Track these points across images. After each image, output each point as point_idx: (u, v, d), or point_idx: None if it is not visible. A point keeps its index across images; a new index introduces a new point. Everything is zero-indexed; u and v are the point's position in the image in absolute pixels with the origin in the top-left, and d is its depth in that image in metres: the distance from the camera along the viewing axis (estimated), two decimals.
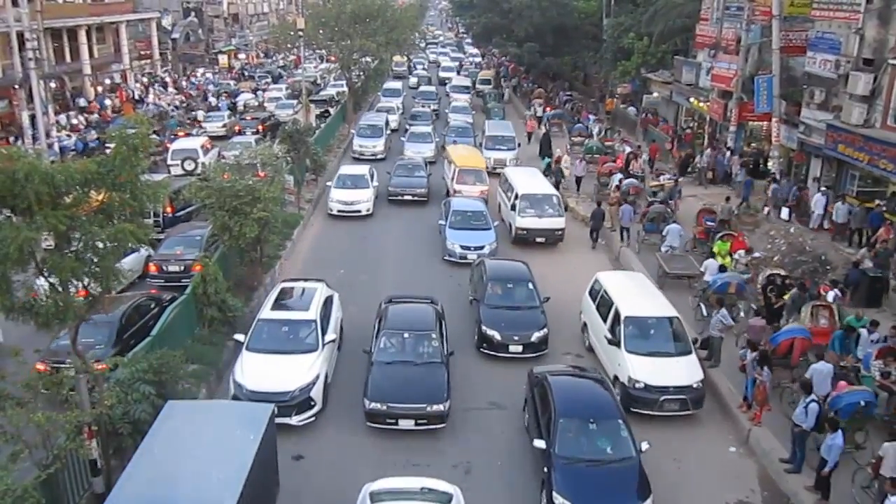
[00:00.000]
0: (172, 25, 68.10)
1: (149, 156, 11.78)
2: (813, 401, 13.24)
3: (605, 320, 17.03)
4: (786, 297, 18.26)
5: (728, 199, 26.05)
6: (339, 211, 27.87)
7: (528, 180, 26.91)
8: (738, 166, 29.53)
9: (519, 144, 35.92)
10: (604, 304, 17.47)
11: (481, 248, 23.53)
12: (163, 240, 21.95)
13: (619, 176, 29.23)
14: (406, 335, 16.03)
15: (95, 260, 11.31)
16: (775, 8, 27.13)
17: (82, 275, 11.28)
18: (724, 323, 16.75)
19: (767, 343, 16.03)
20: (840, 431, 12.44)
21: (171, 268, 20.92)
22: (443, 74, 68.20)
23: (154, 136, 19.77)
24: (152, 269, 21.01)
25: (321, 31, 47.35)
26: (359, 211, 27.89)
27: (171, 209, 24.34)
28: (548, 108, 46.57)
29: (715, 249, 21.50)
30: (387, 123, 40.49)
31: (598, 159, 32.65)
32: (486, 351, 17.77)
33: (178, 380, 14.29)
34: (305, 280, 18.65)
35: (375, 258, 24.36)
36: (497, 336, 17.55)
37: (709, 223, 23.58)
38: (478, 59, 79.83)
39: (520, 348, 17.55)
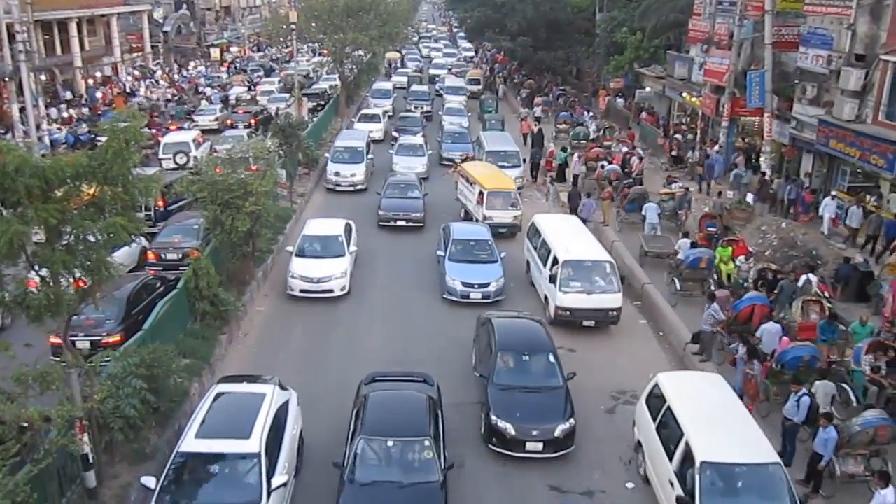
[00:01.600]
0: (164, 18, 67.74)
1: (141, 149, 11.69)
2: (804, 394, 13.33)
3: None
4: (776, 291, 18.39)
5: (720, 193, 26.11)
6: (302, 291, 20.41)
7: (571, 238, 20.60)
8: (742, 163, 29.46)
9: (524, 160, 32.24)
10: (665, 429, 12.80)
11: (486, 285, 20.44)
12: (160, 228, 22.44)
13: (603, 162, 30.47)
14: (390, 443, 12.31)
15: (87, 253, 11.26)
16: (768, 3, 27.15)
17: (74, 268, 11.23)
18: (715, 317, 16.82)
19: (730, 310, 17.35)
20: (832, 426, 12.54)
21: (169, 255, 21.32)
22: (434, 72, 64.18)
23: (146, 129, 19.75)
24: (151, 256, 21.47)
25: (314, 25, 47.34)
26: (331, 291, 20.44)
27: (164, 203, 24.33)
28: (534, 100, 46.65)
29: (717, 256, 20.76)
30: (368, 146, 33.04)
31: (584, 145, 34.35)
32: (496, 448, 13.98)
33: (171, 374, 14.26)
34: (252, 380, 13.71)
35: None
36: (510, 429, 13.77)
37: (710, 229, 23.21)
38: (471, 54, 78.89)
39: (540, 446, 13.80)
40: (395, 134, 37.82)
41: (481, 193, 25.23)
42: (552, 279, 18.95)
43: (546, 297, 19.60)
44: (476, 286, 20.45)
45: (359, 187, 30.69)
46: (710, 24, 33.16)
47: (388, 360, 16.87)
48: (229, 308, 18.15)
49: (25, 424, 10.87)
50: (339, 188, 30.82)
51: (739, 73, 29.88)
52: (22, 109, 32.94)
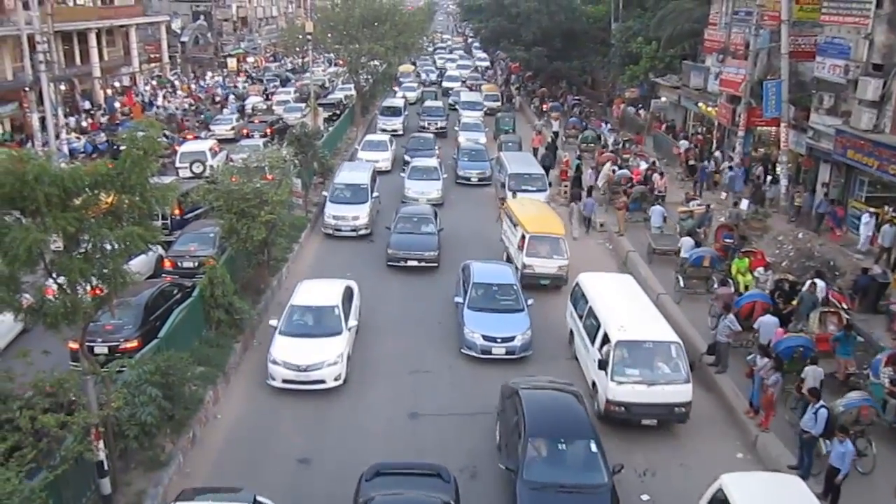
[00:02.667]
0: (182, 29, 68.43)
1: (158, 158, 11.80)
2: (822, 407, 13.20)
3: None
4: (794, 302, 18.23)
5: (736, 203, 25.96)
6: (285, 382, 16.30)
7: (626, 308, 16.77)
8: (761, 173, 29.27)
9: (550, 184, 30.18)
10: None
11: (510, 339, 17.67)
12: (177, 237, 22.67)
13: (614, 167, 31.02)
14: None
15: (104, 262, 11.36)
16: (784, 13, 27.05)
17: (91, 276, 11.33)
18: (731, 329, 16.70)
19: (732, 306, 17.48)
20: (849, 440, 12.43)
21: (186, 264, 21.46)
22: (448, 84, 61.54)
23: (163, 138, 19.86)
24: (167, 264, 21.63)
25: (330, 35, 47.56)
26: (322, 381, 16.27)
27: (180, 211, 24.58)
28: (551, 112, 46.71)
29: (733, 268, 20.63)
30: (374, 181, 28.85)
31: (593, 148, 35.42)
32: None
33: (186, 382, 14.34)
34: (220, 496, 11.50)
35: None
36: None
37: (727, 240, 22.89)
38: (486, 64, 78.85)
39: None
40: (406, 157, 34.73)
41: (523, 237, 21.86)
42: (602, 365, 15.06)
43: (594, 384, 15.70)
44: (499, 340, 17.66)
45: (362, 232, 26.30)
46: (725, 33, 33.08)
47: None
48: (244, 316, 18.22)
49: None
50: (338, 233, 26.42)
51: (755, 83, 29.75)
52: (42, 119, 33.34)
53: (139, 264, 19.14)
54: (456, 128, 42.42)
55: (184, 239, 22.43)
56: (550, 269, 21.67)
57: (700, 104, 36.33)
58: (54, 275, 11.25)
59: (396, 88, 55.57)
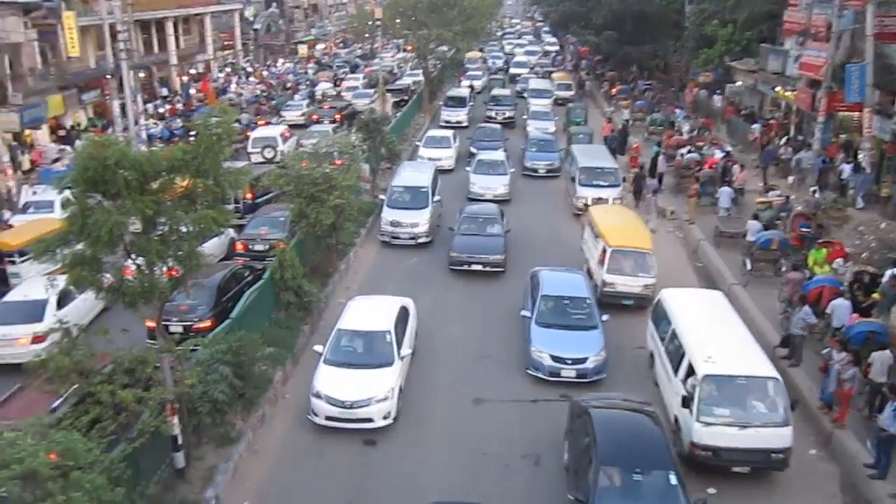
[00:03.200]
0: (254, 16, 69.85)
1: (231, 144, 12.09)
2: None
3: None
4: (875, 294, 17.49)
5: (814, 191, 25.04)
6: (329, 419, 14.61)
7: (716, 335, 14.70)
8: (845, 162, 28.10)
9: (624, 179, 28.03)
10: None
11: (582, 360, 15.92)
12: (249, 220, 23.19)
13: (682, 151, 30.58)
14: None
15: (179, 243, 11.73)
16: None
17: (167, 257, 11.71)
18: (806, 321, 16.14)
19: (800, 291, 17.33)
20: None
21: (257, 247, 21.95)
22: (515, 71, 60.21)
23: (236, 124, 20.35)
24: (239, 247, 22.17)
25: (398, 21, 47.75)
26: (370, 420, 14.46)
27: (252, 195, 25.12)
28: (623, 100, 45.84)
29: (810, 259, 19.74)
30: (435, 183, 26.07)
31: (661, 131, 35.08)
32: None
33: (256, 362, 14.73)
34: None
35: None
36: None
37: (803, 229, 21.91)
38: (555, 49, 77.67)
39: None
40: (472, 149, 33.57)
41: (604, 251, 19.50)
42: (686, 402, 13.17)
43: (676, 420, 13.83)
44: (569, 362, 15.91)
45: (421, 240, 24.02)
46: (806, 14, 31.73)
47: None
48: (312, 299, 18.56)
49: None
50: (396, 241, 24.12)
51: (837, 67, 28.51)
52: (122, 105, 34.54)
53: (212, 246, 19.72)
54: (524, 116, 41.24)
55: (255, 222, 22.95)
56: (635, 287, 19.13)
57: (778, 88, 35.08)
58: (133, 256, 11.67)
59: (462, 78, 54.49)
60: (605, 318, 16.99)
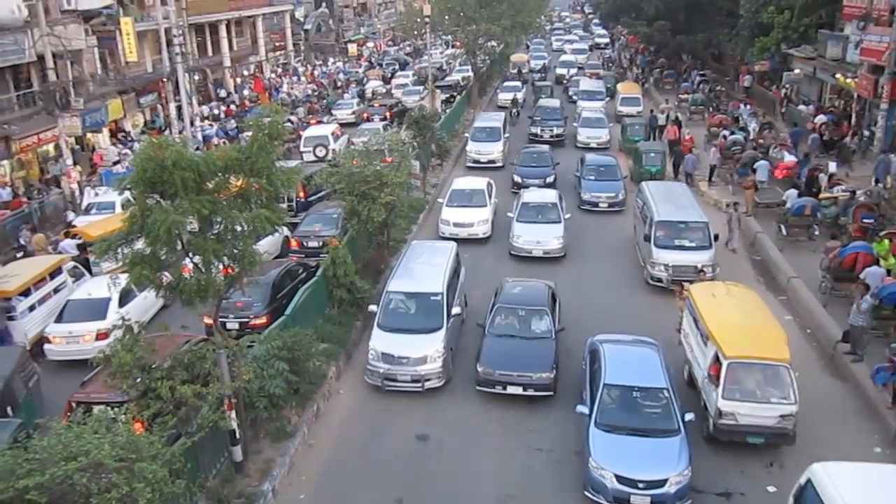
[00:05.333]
0: (305, 17, 70.65)
1: (283, 143, 12.25)
2: None
3: None
4: None
5: (877, 181, 24.21)
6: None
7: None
8: None
9: (716, 237, 20.40)
10: None
11: (659, 484, 11.82)
12: (302, 218, 23.58)
13: (726, 132, 31.37)
14: None
15: (235, 242, 11.96)
16: None
17: (223, 256, 11.95)
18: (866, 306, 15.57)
19: (836, 257, 18.20)
20: None
21: (311, 243, 22.32)
22: (561, 71, 56.06)
23: (287, 123, 20.64)
24: (294, 244, 22.59)
25: (447, 17, 47.77)
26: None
27: (304, 194, 25.49)
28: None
29: (875, 250, 18.69)
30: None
31: (702, 111, 36.75)
32: None
33: (310, 357, 14.95)
34: None
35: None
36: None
37: (866, 220, 20.92)
38: (605, 41, 76.09)
39: None
40: (515, 178, 28.42)
41: (717, 362, 13.49)
42: None
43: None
44: (641, 485, 11.82)
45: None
46: None
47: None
48: (365, 296, 18.72)
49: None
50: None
51: None
52: (178, 107, 35.36)
53: (267, 245, 20.03)
54: (574, 124, 36.95)
55: (308, 220, 23.32)
56: (767, 418, 13.04)
57: (838, 76, 33.97)
58: (190, 254, 11.94)
59: (500, 93, 47.61)
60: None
